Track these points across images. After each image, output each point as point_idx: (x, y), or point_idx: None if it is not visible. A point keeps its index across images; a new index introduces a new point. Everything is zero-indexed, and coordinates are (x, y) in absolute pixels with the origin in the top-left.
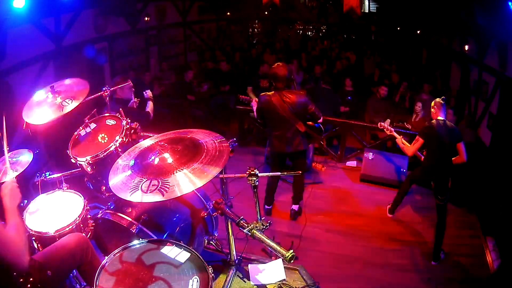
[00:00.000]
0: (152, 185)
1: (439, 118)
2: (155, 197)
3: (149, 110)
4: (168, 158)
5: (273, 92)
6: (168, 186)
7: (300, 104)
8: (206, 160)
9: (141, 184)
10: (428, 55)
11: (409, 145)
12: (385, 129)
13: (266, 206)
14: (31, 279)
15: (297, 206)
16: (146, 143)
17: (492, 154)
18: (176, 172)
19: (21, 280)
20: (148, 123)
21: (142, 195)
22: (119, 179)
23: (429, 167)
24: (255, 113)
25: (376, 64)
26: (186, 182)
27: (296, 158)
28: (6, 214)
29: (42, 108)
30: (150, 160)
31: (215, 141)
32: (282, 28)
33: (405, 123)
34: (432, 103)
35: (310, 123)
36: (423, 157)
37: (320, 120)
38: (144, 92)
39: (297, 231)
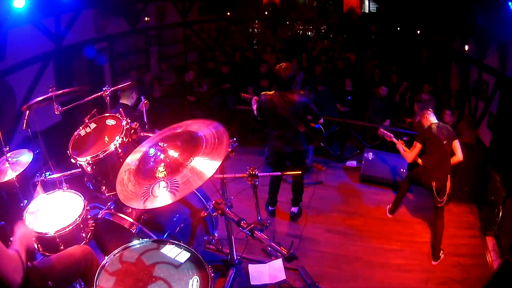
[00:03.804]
0: (163, 187)
1: (433, 122)
2: (168, 199)
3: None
4: (170, 156)
5: (273, 92)
6: (177, 184)
7: (300, 104)
8: (208, 151)
9: (150, 189)
10: (428, 55)
11: (409, 150)
12: (385, 136)
13: (270, 207)
14: (31, 285)
15: (297, 208)
16: (144, 148)
17: (492, 154)
18: (184, 168)
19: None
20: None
21: (155, 200)
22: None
23: (429, 169)
24: (255, 111)
25: (376, 64)
26: (193, 177)
27: (296, 159)
28: (13, 239)
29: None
30: (152, 163)
31: (212, 130)
32: (282, 28)
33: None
34: (422, 115)
35: (312, 124)
36: (422, 162)
37: (321, 121)
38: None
39: (297, 231)
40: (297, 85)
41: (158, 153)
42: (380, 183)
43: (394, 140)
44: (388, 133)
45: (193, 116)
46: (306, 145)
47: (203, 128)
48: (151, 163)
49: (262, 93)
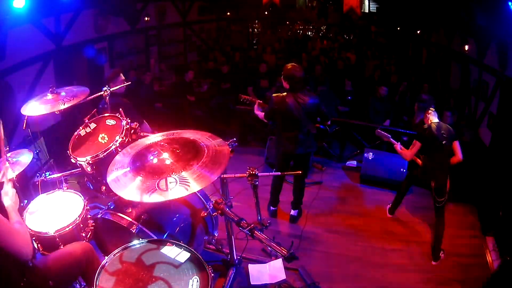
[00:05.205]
0: (170, 183)
1: (433, 121)
2: (179, 193)
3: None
4: (168, 158)
5: (286, 93)
6: (187, 180)
7: (313, 105)
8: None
9: (156, 183)
10: (428, 55)
11: (406, 150)
12: (382, 136)
13: (271, 208)
14: (32, 286)
15: (296, 211)
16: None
17: (492, 154)
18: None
19: (22, 284)
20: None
21: (164, 193)
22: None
23: (428, 168)
24: (259, 115)
25: (376, 64)
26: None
27: (302, 160)
28: (8, 214)
29: (40, 103)
30: (152, 159)
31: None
32: (282, 28)
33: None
34: (425, 113)
35: (317, 125)
36: (421, 161)
37: (329, 122)
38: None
39: (297, 231)
40: None
41: (161, 151)
42: (380, 183)
43: (392, 140)
44: (385, 133)
45: (193, 116)
46: (316, 146)
47: (201, 137)
48: (151, 159)
49: (274, 94)
